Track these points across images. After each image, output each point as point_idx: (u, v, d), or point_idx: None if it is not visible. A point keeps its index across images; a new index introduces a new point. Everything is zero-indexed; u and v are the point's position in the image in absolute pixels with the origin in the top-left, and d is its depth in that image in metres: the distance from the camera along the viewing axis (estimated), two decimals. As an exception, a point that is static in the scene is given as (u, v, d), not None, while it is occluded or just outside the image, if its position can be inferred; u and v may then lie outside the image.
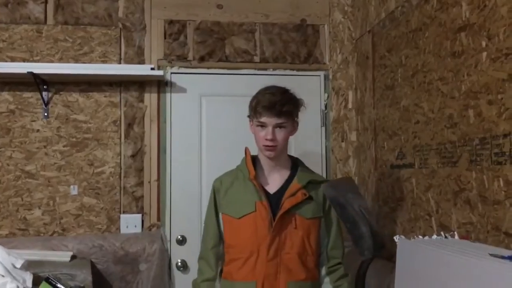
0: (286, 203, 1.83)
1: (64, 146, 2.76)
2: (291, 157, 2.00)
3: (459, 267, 1.23)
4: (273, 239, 1.81)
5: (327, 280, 1.92)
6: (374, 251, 1.75)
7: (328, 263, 1.92)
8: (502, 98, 1.62)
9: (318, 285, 1.93)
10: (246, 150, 1.97)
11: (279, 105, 1.79)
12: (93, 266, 2.56)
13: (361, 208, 1.77)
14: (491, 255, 1.22)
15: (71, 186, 2.75)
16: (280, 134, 1.83)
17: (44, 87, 2.73)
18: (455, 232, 1.59)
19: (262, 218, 1.82)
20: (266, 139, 1.82)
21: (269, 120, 1.81)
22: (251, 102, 1.90)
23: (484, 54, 1.71)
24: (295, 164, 1.97)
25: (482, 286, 1.14)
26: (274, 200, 1.86)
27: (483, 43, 1.72)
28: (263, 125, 1.83)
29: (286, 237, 1.83)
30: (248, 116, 1.93)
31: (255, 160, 1.95)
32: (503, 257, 1.18)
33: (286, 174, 1.93)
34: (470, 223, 1.79)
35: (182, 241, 2.82)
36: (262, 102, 1.82)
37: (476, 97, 1.76)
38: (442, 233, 1.57)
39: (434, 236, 1.55)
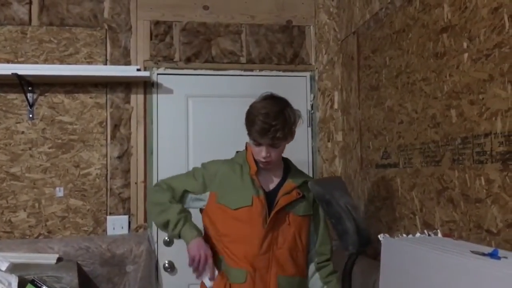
0: (282, 201, 1.87)
1: (49, 148, 2.74)
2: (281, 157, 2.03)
3: (442, 264, 1.25)
4: (267, 234, 1.84)
5: (316, 276, 1.96)
6: (360, 247, 1.78)
7: (317, 259, 1.96)
8: (483, 98, 1.65)
9: (306, 282, 1.96)
10: (248, 145, 1.98)
11: (273, 132, 1.78)
12: (79, 268, 2.55)
13: (347, 205, 1.80)
14: (472, 252, 1.24)
15: (57, 188, 2.73)
16: (275, 151, 1.86)
17: (29, 88, 2.71)
18: (439, 230, 1.62)
19: (258, 213, 1.85)
20: (261, 156, 1.85)
21: (263, 142, 1.83)
22: (248, 114, 1.86)
23: (466, 55, 1.74)
24: (287, 164, 2.02)
25: (464, 283, 1.17)
26: (269, 198, 1.89)
27: (465, 44, 1.75)
28: (258, 144, 1.85)
29: (279, 233, 1.86)
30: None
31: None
32: (484, 254, 1.20)
33: (280, 173, 1.98)
34: (453, 221, 1.82)
35: (169, 242, 2.81)
36: (256, 125, 1.79)
37: (458, 97, 1.79)
38: (425, 231, 1.59)
39: (418, 234, 1.57)
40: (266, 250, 1.84)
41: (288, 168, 1.99)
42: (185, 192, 1.94)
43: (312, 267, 1.97)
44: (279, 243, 1.86)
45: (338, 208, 1.77)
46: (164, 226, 1.88)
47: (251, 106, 1.88)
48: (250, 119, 1.83)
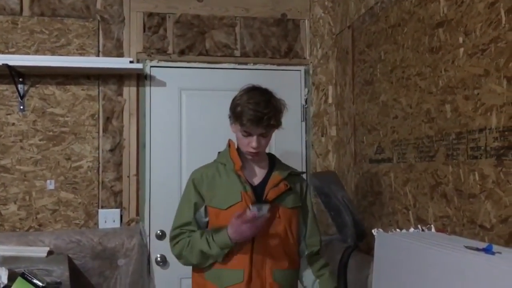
0: (271, 193, 1.87)
1: (40, 140, 2.71)
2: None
3: (435, 259, 1.25)
4: None
5: (309, 269, 1.96)
6: (357, 239, 1.79)
7: (308, 251, 1.96)
8: (478, 93, 1.64)
9: (298, 273, 1.96)
10: (230, 142, 1.99)
11: (266, 120, 1.79)
12: (70, 261, 2.53)
13: (344, 199, 1.81)
14: (466, 247, 1.24)
15: (48, 181, 2.70)
16: (264, 140, 1.87)
17: (20, 79, 2.68)
18: (432, 225, 1.62)
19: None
20: (251, 147, 1.84)
21: (255, 131, 1.83)
22: (234, 107, 1.86)
23: (461, 50, 1.74)
24: (271, 157, 2.02)
25: (458, 278, 1.16)
26: (257, 192, 1.89)
27: (460, 39, 1.74)
28: (248, 134, 1.84)
29: (270, 227, 1.86)
30: (229, 117, 1.92)
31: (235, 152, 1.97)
32: (477, 249, 1.20)
33: (265, 166, 1.98)
34: (446, 217, 1.82)
35: (161, 236, 2.80)
36: (247, 115, 1.79)
37: (453, 92, 1.78)
38: (419, 226, 1.59)
39: (411, 229, 1.57)
40: (259, 244, 1.83)
41: (272, 161, 2.00)
42: (195, 216, 1.92)
43: (304, 261, 1.97)
44: (271, 237, 1.86)
45: (336, 201, 1.78)
46: (205, 257, 1.84)
47: (236, 99, 1.88)
48: (239, 111, 1.82)
